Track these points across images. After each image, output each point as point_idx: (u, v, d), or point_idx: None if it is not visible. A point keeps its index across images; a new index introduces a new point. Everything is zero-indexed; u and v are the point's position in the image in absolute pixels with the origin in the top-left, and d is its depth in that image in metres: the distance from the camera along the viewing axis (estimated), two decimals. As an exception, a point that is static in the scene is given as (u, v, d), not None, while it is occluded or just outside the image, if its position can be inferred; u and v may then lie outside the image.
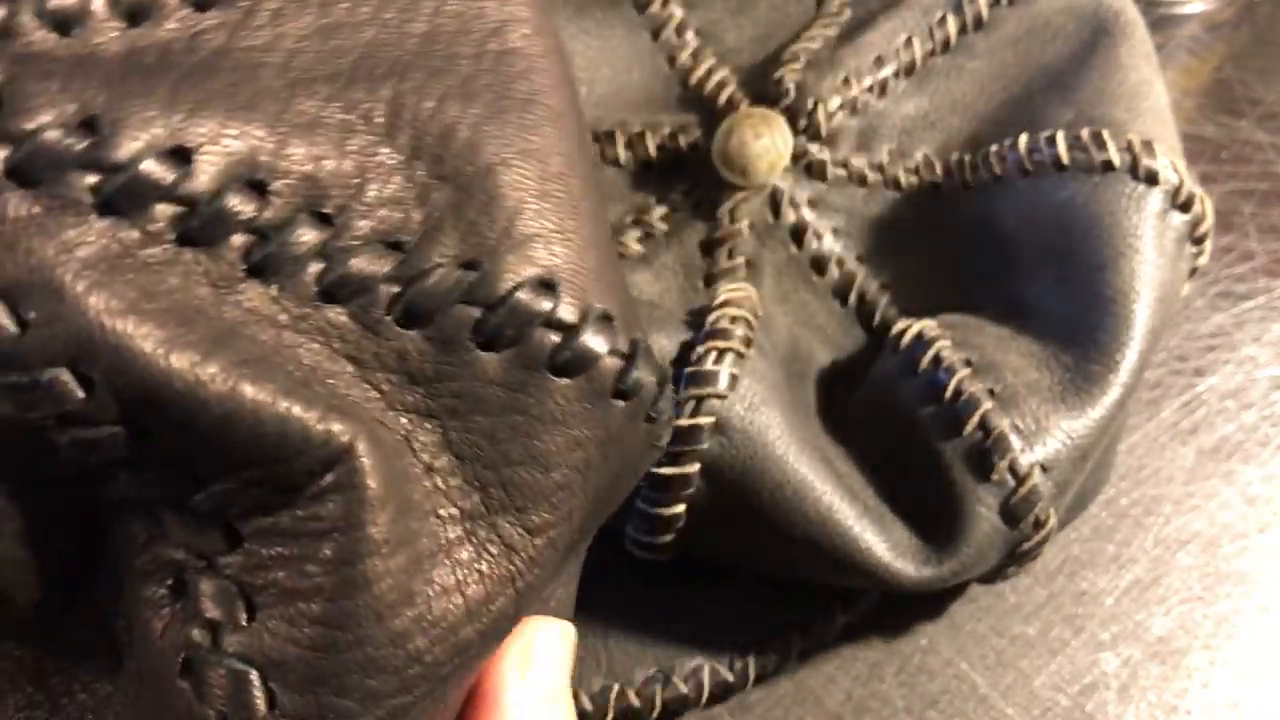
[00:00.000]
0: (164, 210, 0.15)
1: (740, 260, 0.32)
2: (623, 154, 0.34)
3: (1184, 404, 0.35)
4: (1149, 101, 0.31)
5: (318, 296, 0.16)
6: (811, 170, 0.33)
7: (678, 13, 0.35)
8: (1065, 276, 0.29)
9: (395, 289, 0.16)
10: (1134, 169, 0.29)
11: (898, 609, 0.31)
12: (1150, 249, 0.29)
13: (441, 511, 0.17)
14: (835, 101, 0.33)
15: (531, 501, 0.17)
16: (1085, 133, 0.30)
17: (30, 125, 0.15)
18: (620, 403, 0.18)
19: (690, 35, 0.35)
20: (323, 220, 0.16)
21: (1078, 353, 0.28)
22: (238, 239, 0.16)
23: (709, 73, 0.35)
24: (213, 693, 0.15)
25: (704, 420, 0.27)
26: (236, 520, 0.15)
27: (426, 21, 0.18)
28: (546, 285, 0.17)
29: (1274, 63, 0.42)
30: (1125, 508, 0.33)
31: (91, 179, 0.15)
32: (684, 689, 0.30)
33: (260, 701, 0.15)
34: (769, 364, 0.29)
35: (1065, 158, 0.30)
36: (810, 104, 0.33)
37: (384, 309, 0.16)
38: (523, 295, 0.17)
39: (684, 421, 0.27)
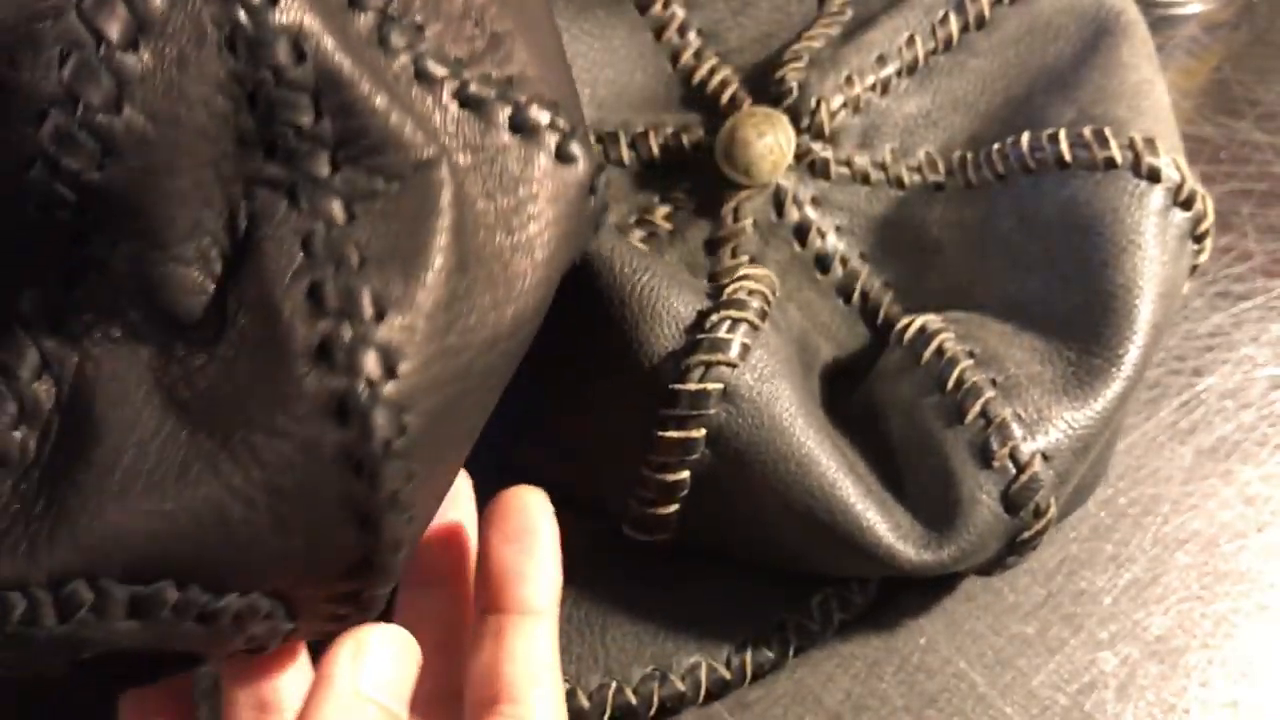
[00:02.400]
0: None
1: (744, 259, 0.32)
2: (626, 154, 0.34)
3: (1182, 404, 0.35)
4: (1150, 100, 0.31)
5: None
6: (814, 169, 0.33)
7: (680, 13, 0.36)
8: (1068, 273, 0.29)
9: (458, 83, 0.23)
10: (1136, 166, 0.29)
11: (897, 607, 0.31)
12: (1152, 245, 0.29)
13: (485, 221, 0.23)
14: (838, 100, 0.33)
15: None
16: (1087, 130, 0.30)
17: None
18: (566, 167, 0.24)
19: (692, 35, 0.35)
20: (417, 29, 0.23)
21: (1080, 347, 0.29)
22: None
23: (711, 72, 0.35)
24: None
25: (711, 386, 0.27)
26: (353, 201, 0.21)
27: None
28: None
29: (1273, 63, 0.43)
30: (1124, 507, 0.33)
31: None
32: (681, 686, 0.29)
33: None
34: (783, 340, 0.29)
35: (1067, 155, 0.30)
36: (813, 103, 0.33)
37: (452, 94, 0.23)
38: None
39: (691, 386, 0.27)
